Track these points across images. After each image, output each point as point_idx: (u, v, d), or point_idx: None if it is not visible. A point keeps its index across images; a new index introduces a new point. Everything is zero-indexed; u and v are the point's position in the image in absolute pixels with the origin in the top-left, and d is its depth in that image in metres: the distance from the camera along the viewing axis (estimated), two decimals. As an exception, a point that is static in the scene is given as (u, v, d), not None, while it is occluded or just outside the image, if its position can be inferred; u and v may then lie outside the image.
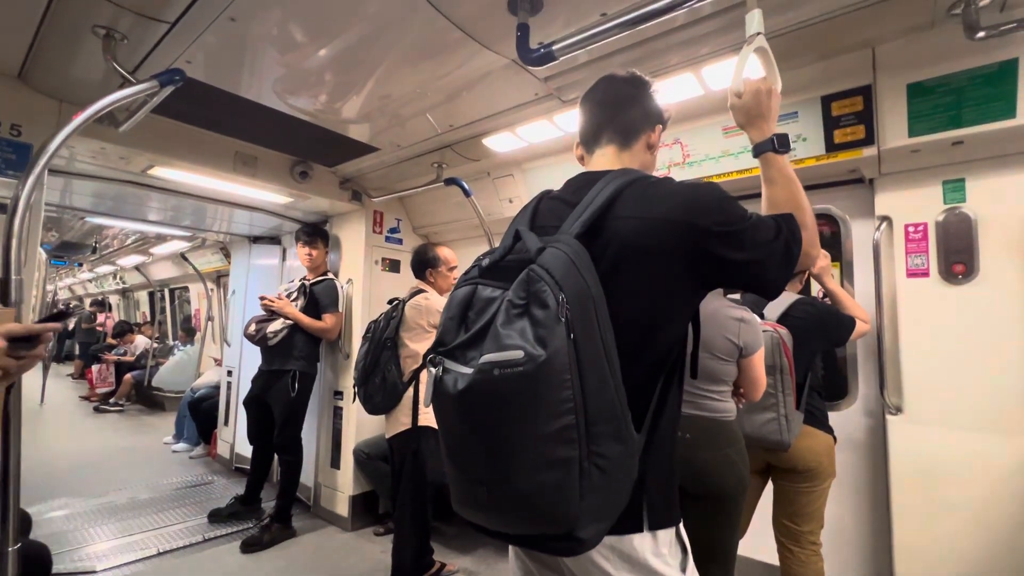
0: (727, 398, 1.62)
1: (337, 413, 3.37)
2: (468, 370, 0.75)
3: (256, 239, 4.35)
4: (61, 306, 11.63)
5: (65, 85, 2.05)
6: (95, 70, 1.89)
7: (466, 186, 2.69)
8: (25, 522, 1.83)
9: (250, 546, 2.92)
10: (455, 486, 0.84)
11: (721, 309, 1.60)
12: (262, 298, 3.15)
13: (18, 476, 1.24)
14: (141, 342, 7.66)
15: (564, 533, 0.72)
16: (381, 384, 2.43)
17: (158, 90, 1.58)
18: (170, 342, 7.98)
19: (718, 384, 1.60)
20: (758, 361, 1.62)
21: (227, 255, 5.07)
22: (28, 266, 1.77)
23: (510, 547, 0.99)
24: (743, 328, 1.58)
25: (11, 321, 1.05)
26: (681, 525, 0.89)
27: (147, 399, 7.23)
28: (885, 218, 1.96)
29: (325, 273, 3.36)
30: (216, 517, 3.25)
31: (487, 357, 0.72)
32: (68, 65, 1.91)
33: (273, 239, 4.20)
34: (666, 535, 0.85)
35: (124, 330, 8.10)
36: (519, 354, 0.69)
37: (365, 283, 3.37)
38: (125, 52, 1.74)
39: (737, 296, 2.31)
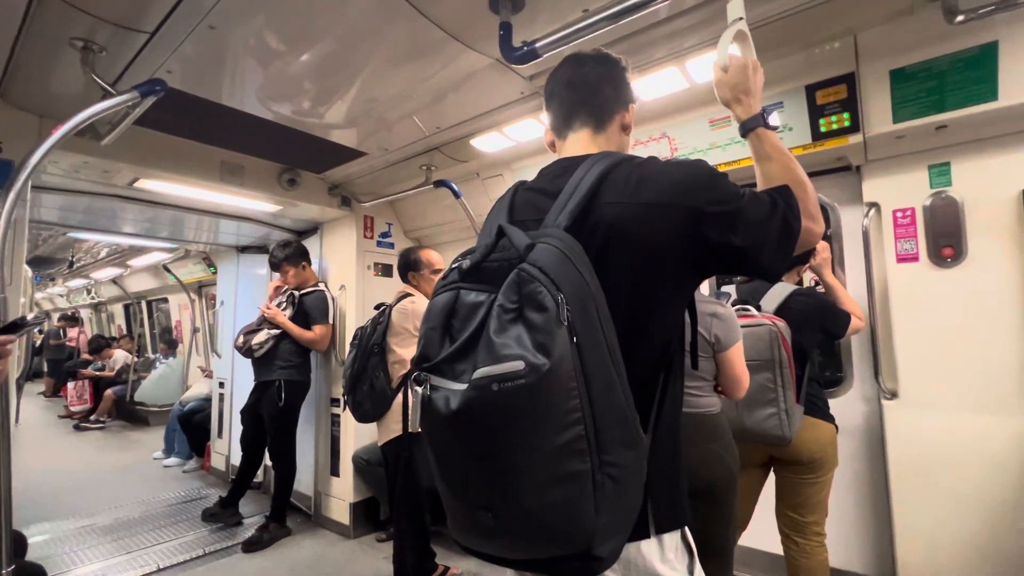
0: (708, 392, 1.60)
1: (334, 421, 3.34)
2: (460, 386, 0.67)
3: (244, 249, 4.31)
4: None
5: (45, 100, 2.02)
6: (74, 83, 1.87)
7: (456, 188, 2.68)
8: (20, 543, 1.80)
9: (251, 545, 3.00)
10: (453, 514, 0.77)
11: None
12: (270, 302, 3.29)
13: (9, 495, 1.22)
14: (120, 356, 7.38)
15: (580, 552, 0.66)
16: (369, 391, 2.41)
17: (139, 101, 1.56)
18: (151, 355, 7.71)
19: (695, 380, 1.57)
20: (735, 357, 1.58)
21: (210, 265, 5.00)
22: (13, 284, 1.74)
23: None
24: (715, 323, 1.55)
25: None
26: (687, 527, 0.84)
27: (129, 415, 7.03)
28: (873, 204, 1.98)
29: (316, 284, 3.35)
30: (204, 515, 3.35)
31: (482, 371, 0.65)
32: (47, 79, 1.88)
33: (261, 248, 4.16)
34: (671, 539, 0.81)
35: (101, 345, 7.76)
36: (519, 365, 0.63)
37: (358, 289, 3.35)
38: (104, 64, 1.71)
39: (732, 287, 2.31)
